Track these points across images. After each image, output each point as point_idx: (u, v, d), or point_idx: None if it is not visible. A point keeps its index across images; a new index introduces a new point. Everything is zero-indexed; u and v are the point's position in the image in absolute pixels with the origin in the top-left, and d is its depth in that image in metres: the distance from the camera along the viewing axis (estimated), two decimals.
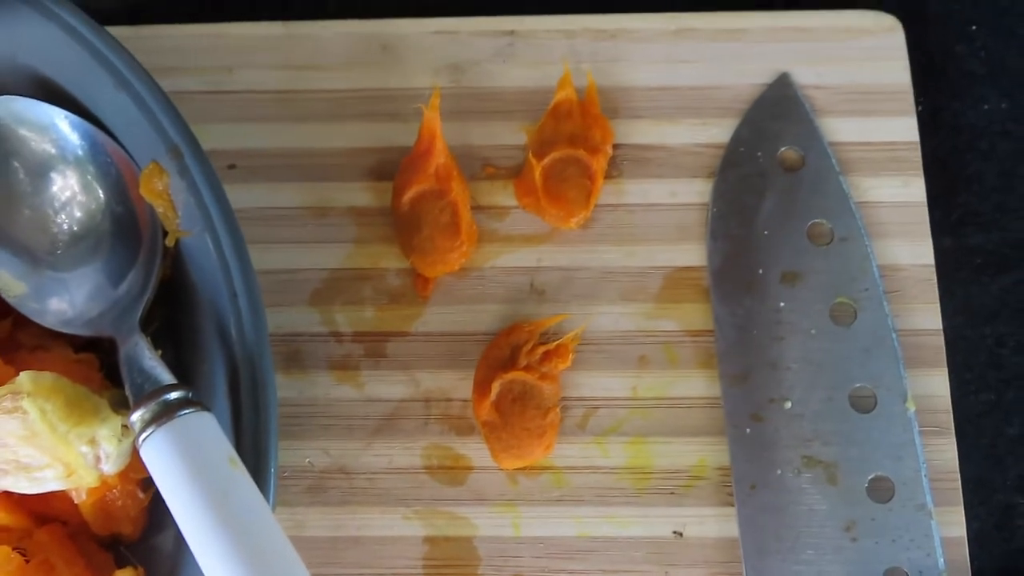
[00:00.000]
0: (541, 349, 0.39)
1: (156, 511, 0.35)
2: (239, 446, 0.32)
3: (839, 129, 0.42)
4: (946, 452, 0.38)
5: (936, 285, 0.40)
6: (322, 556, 0.38)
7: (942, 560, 0.36)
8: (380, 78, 0.43)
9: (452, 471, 0.39)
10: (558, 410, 0.39)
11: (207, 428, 0.30)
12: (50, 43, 0.35)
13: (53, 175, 0.35)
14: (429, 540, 0.38)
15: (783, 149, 0.42)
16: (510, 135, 0.42)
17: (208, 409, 0.31)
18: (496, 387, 0.38)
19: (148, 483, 0.35)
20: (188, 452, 0.29)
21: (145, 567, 0.34)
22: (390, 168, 0.42)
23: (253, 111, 0.43)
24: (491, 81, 0.43)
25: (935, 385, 0.39)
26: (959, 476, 0.38)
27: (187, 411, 0.30)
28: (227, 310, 0.33)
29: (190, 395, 0.31)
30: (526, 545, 0.38)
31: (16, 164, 0.35)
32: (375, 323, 0.41)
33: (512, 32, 0.44)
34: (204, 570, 0.29)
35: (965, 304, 0.42)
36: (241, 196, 0.40)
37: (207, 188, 0.33)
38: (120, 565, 0.34)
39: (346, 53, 0.43)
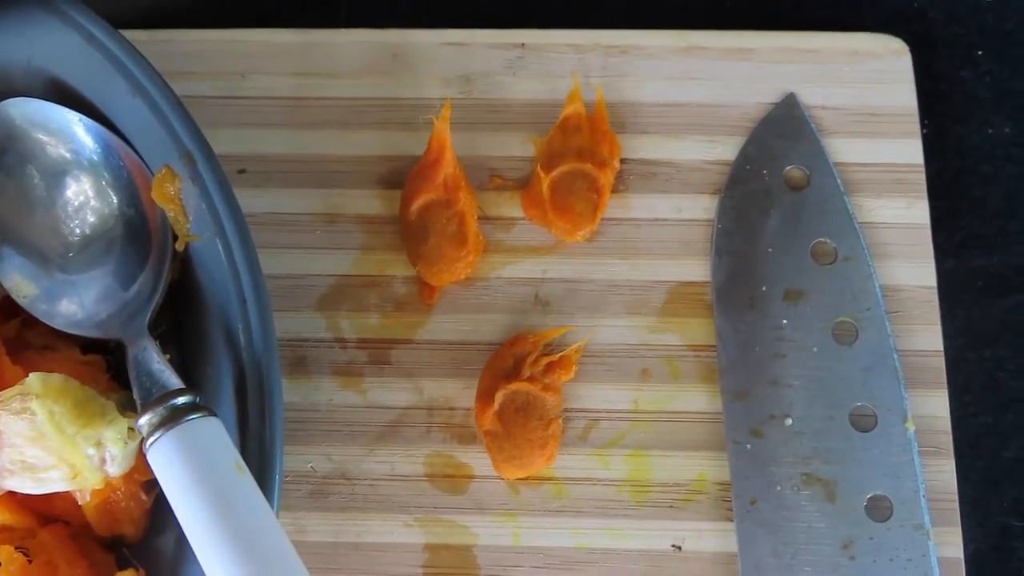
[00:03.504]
0: (544, 360, 0.39)
1: (158, 513, 0.35)
2: (244, 451, 0.32)
3: (845, 149, 0.42)
4: (945, 473, 0.38)
5: (938, 307, 0.40)
6: (322, 561, 0.38)
7: None
8: (391, 87, 0.43)
9: (453, 479, 0.39)
10: (560, 421, 0.39)
11: (214, 433, 0.31)
12: (65, 47, 0.35)
13: (67, 179, 0.35)
14: (429, 548, 0.38)
15: (789, 168, 0.42)
16: (518, 147, 0.43)
17: (215, 414, 0.31)
18: (499, 397, 0.39)
19: (151, 485, 0.35)
20: (195, 457, 0.30)
21: (146, 568, 0.34)
22: (399, 177, 0.42)
23: (265, 117, 0.43)
24: (501, 93, 0.43)
25: (935, 406, 0.39)
26: (957, 497, 0.38)
27: (194, 416, 0.30)
28: (236, 315, 0.33)
29: (197, 400, 0.31)
30: (525, 555, 0.38)
31: (31, 167, 0.35)
32: (380, 330, 0.41)
33: (523, 45, 0.44)
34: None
35: (966, 326, 0.42)
36: (251, 201, 0.41)
37: (219, 194, 0.33)
38: (121, 566, 0.35)
39: (358, 62, 0.44)
